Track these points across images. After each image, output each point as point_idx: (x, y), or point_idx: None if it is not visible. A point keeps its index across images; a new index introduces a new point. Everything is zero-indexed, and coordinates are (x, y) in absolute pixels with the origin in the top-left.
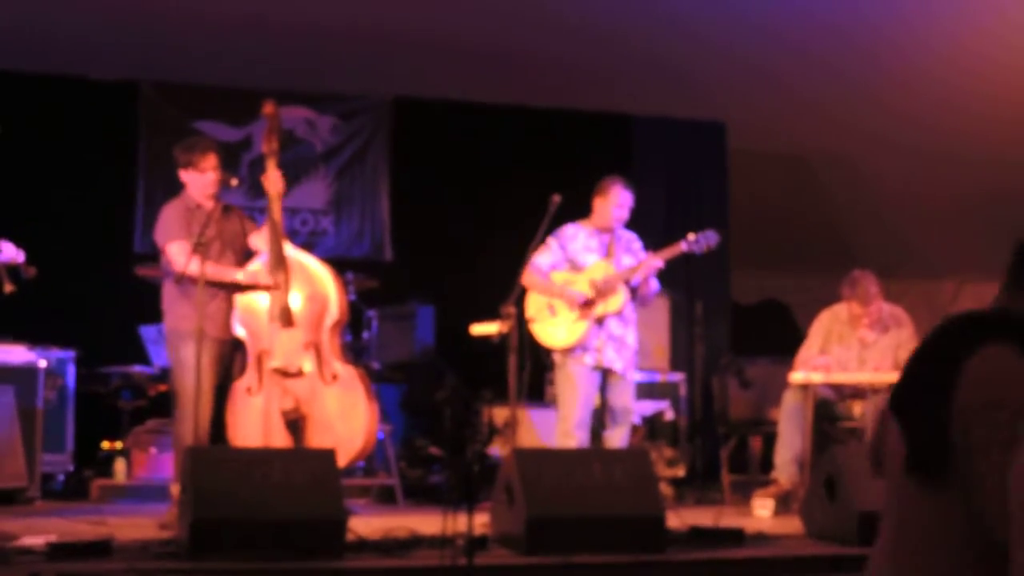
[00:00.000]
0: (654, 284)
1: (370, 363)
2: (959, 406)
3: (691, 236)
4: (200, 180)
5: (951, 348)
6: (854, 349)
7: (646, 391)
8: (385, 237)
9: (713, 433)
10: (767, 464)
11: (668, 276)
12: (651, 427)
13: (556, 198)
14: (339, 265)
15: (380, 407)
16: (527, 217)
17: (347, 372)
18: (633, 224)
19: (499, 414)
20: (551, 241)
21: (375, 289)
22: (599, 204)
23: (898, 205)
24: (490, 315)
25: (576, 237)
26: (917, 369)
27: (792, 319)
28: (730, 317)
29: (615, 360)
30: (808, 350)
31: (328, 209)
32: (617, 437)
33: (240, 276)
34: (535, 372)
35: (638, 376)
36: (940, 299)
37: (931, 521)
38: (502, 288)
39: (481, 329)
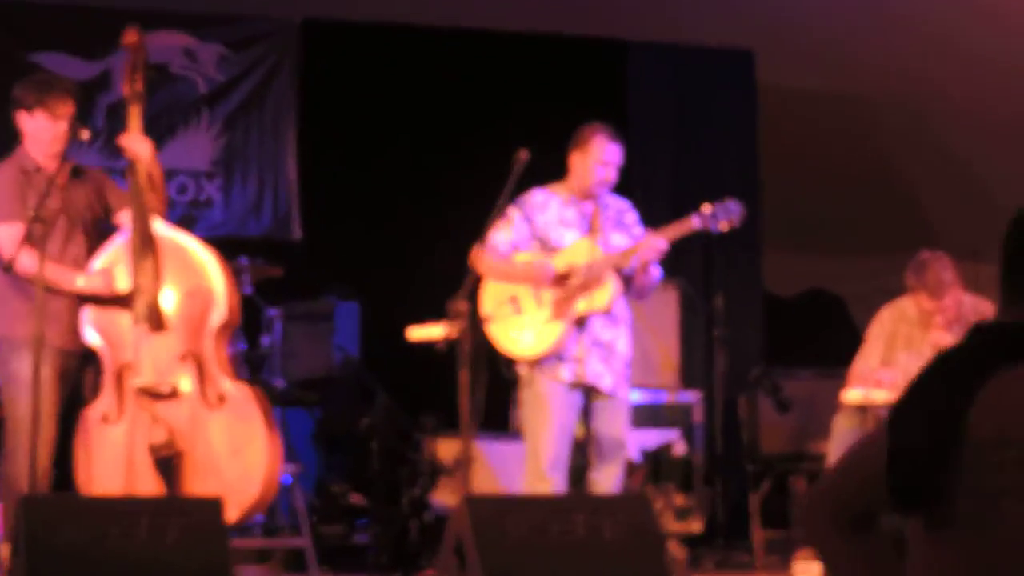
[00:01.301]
0: (655, 272)
1: (271, 380)
2: (971, 439)
3: (706, 208)
4: (49, 131)
5: (964, 370)
6: (926, 356)
7: (648, 416)
8: (292, 209)
9: (740, 473)
10: None
11: (677, 260)
12: (655, 465)
13: (523, 155)
14: (230, 247)
15: (285, 440)
16: (485, 182)
17: (239, 393)
18: (628, 189)
19: (446, 449)
20: (512, 212)
21: (279, 279)
22: (577, 161)
23: (987, 166)
24: (435, 314)
25: (547, 206)
26: (921, 391)
27: (847, 317)
28: (763, 315)
29: (602, 375)
30: (866, 359)
31: (214, 171)
32: (606, 479)
33: (80, 282)
34: (494, 391)
35: (636, 396)
36: None
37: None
38: (451, 278)
39: (422, 333)
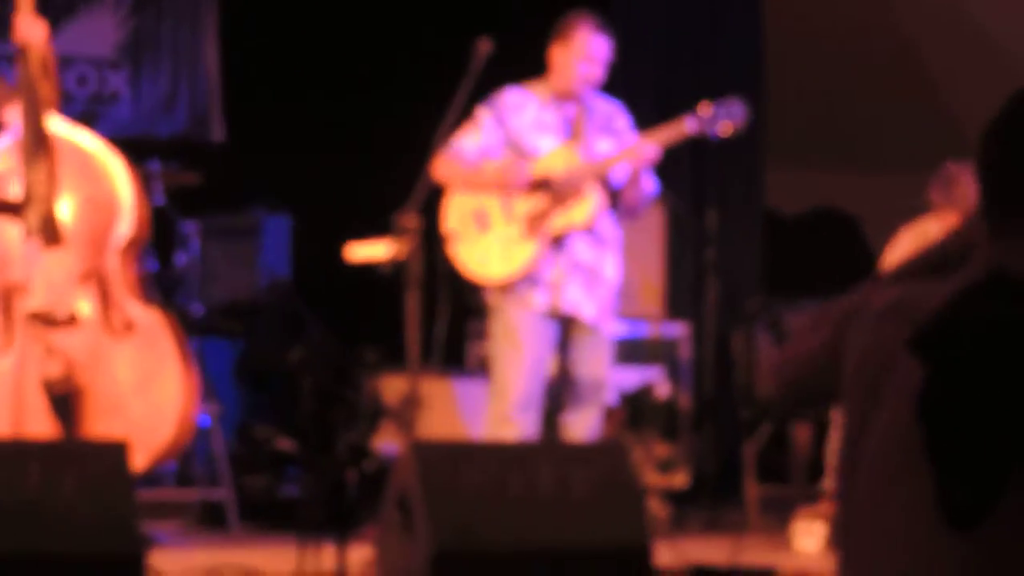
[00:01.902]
0: (649, 184)
1: (187, 305)
2: None
3: (704, 108)
4: None
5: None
6: None
7: (628, 352)
8: (212, 106)
9: (733, 420)
10: (816, 468)
11: (663, 171)
12: (635, 409)
13: (484, 45)
14: (138, 149)
15: (202, 376)
16: (440, 74)
17: (149, 319)
18: (616, 88)
19: (391, 387)
20: (482, 113)
21: (196, 188)
22: (558, 56)
23: None
24: (379, 230)
25: (523, 108)
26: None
27: (861, 239)
28: (763, 236)
29: (583, 303)
30: None
31: (121, 60)
32: (581, 424)
33: None
34: (456, 321)
35: (619, 329)
36: None
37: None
38: (398, 188)
39: (365, 252)
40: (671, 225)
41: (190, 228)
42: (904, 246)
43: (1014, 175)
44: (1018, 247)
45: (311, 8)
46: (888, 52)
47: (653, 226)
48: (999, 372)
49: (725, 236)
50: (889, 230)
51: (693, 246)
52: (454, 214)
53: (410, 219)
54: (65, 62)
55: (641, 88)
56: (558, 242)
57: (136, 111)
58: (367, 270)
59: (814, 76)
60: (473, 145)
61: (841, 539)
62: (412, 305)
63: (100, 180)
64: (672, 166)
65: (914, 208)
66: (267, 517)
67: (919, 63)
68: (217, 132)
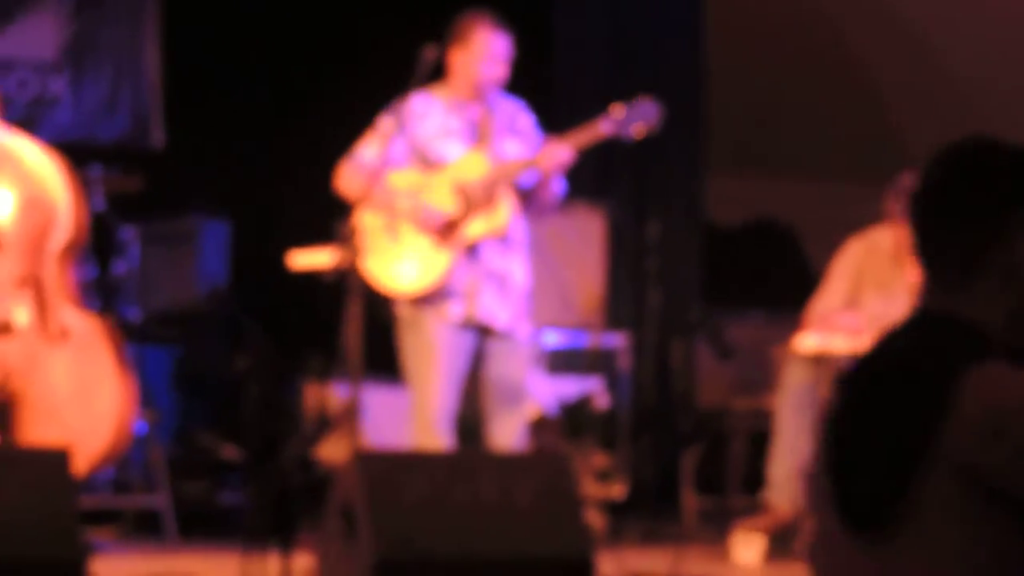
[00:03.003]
0: (557, 185)
1: (124, 312)
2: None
3: (617, 110)
4: None
5: (932, 369)
6: (900, 299)
7: (566, 362)
8: (153, 110)
9: (672, 431)
10: (755, 480)
11: (603, 180)
12: (573, 420)
13: (430, 52)
14: (78, 154)
15: (140, 383)
16: (383, 84)
17: (86, 326)
18: (556, 96)
19: (332, 397)
20: (384, 122)
21: (136, 193)
22: (457, 59)
23: (965, 77)
24: (322, 237)
25: (427, 115)
26: (874, 395)
27: (799, 249)
28: (702, 246)
29: (496, 311)
30: (828, 299)
31: (61, 63)
32: (505, 432)
33: None
34: (374, 329)
35: (552, 338)
36: None
37: None
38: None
39: (308, 259)
40: (612, 235)
41: (129, 234)
42: (853, 255)
43: (959, 233)
44: (964, 299)
45: (253, 13)
46: (829, 62)
47: (593, 236)
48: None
49: (665, 246)
50: (827, 240)
51: (633, 256)
52: (363, 226)
53: (353, 227)
54: (5, 66)
55: (580, 97)
56: (471, 251)
57: (77, 115)
58: (308, 277)
59: (754, 86)
60: (374, 155)
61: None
62: (354, 313)
63: (37, 184)
64: (612, 175)
65: (852, 221)
66: (204, 525)
67: (860, 74)
68: (157, 137)
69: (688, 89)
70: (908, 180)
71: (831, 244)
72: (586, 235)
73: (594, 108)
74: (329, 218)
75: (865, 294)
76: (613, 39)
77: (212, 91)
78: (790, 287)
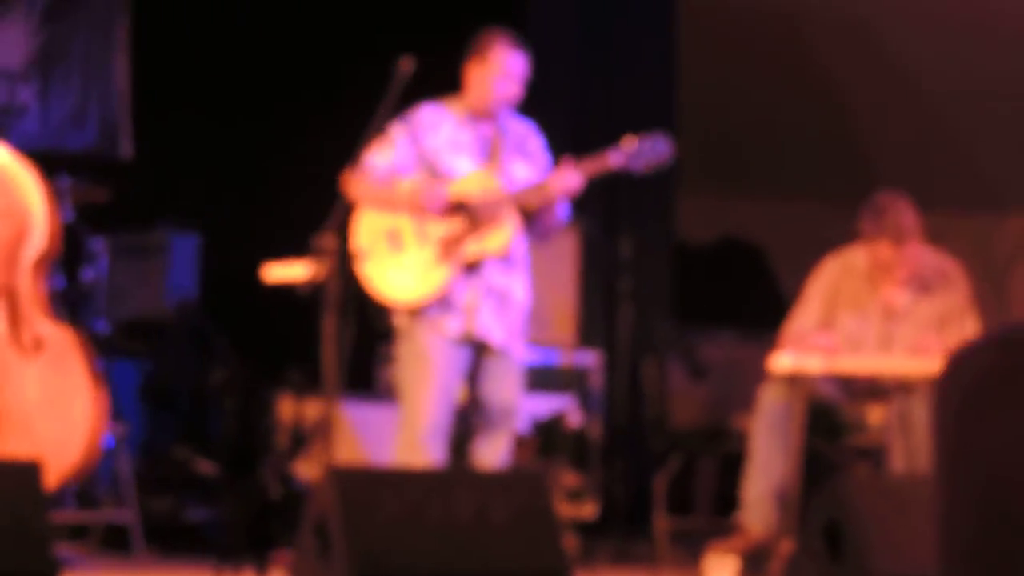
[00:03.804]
0: (563, 211)
1: (93, 324)
2: None
3: (629, 143)
4: None
5: None
6: (874, 318)
7: (540, 380)
8: (122, 121)
9: (644, 451)
10: (729, 501)
11: (578, 199)
12: (546, 438)
13: (406, 64)
14: (46, 163)
15: (109, 396)
16: (357, 96)
17: (59, 338)
18: (529, 110)
19: (308, 412)
20: (396, 130)
21: (105, 205)
22: (474, 74)
23: (935, 95)
24: (295, 250)
25: (438, 127)
26: None
27: (769, 269)
28: (673, 265)
29: (493, 328)
30: (803, 318)
31: (29, 73)
32: (491, 451)
33: None
34: (362, 343)
35: (531, 356)
36: (1001, 240)
37: None
38: (312, 208)
39: (282, 273)
40: (585, 252)
41: (98, 245)
42: (829, 274)
43: None
44: None
45: (225, 23)
46: (800, 82)
47: (567, 253)
48: None
49: (636, 264)
50: (797, 259)
51: (605, 274)
52: (365, 232)
53: (328, 240)
54: None
55: (554, 113)
56: (472, 267)
57: (45, 125)
58: (281, 291)
59: (725, 104)
60: (385, 162)
61: None
62: (329, 328)
63: (11, 191)
64: (585, 193)
65: (821, 241)
66: (172, 540)
67: (830, 93)
68: (126, 148)
69: (660, 107)
70: (883, 199)
71: (800, 263)
72: (559, 253)
73: (565, 127)
74: (303, 231)
75: (840, 313)
76: (586, 56)
77: (182, 102)
78: (761, 306)
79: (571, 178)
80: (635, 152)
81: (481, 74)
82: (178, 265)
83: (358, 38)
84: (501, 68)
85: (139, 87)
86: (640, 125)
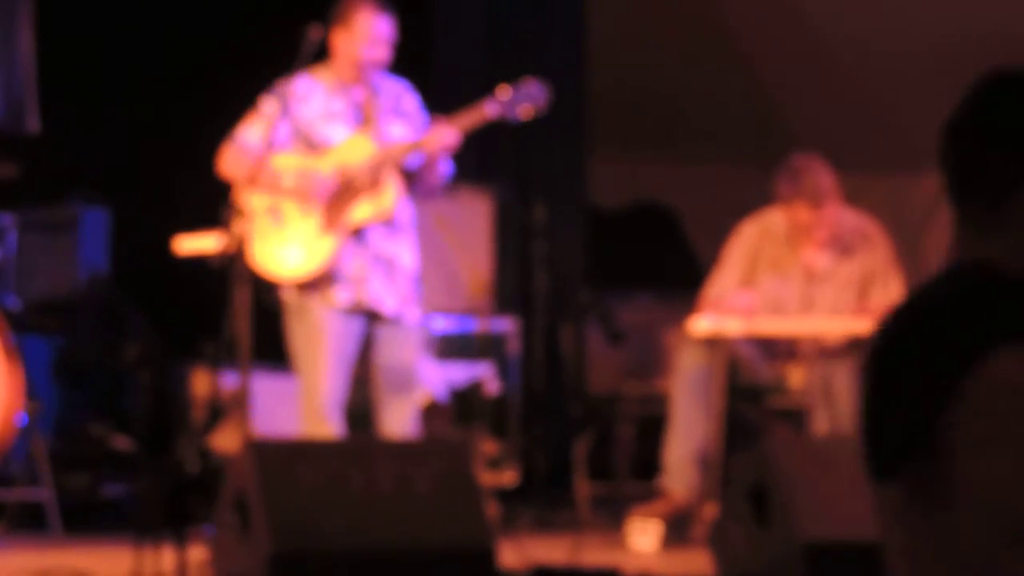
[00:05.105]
0: (444, 167)
1: (3, 301)
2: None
3: (503, 91)
4: None
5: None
6: (795, 281)
7: (456, 347)
8: (28, 95)
9: (563, 416)
10: (649, 466)
11: (486, 163)
12: (463, 406)
13: (314, 32)
14: None
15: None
16: (267, 61)
17: None
18: (438, 78)
19: (223, 385)
20: (267, 104)
21: (12, 181)
22: (340, 41)
23: (847, 56)
24: (207, 222)
25: (310, 97)
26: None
27: (683, 232)
28: (587, 229)
29: (384, 296)
30: (722, 281)
31: None
32: (396, 418)
33: None
34: (263, 315)
35: (440, 324)
36: (916, 200)
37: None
38: (221, 180)
39: (193, 245)
40: (498, 219)
41: (6, 221)
42: (748, 238)
43: (990, 165)
44: (996, 241)
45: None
46: (712, 45)
47: (480, 220)
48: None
49: (551, 230)
50: (710, 222)
51: (519, 240)
52: (247, 210)
53: (240, 212)
54: None
55: (461, 79)
56: (358, 235)
57: None
58: (193, 263)
59: (636, 68)
60: (256, 137)
61: None
62: (241, 299)
63: None
64: (495, 153)
65: (732, 203)
66: (88, 518)
67: (743, 56)
68: (32, 122)
69: (569, 71)
70: (799, 161)
71: (715, 226)
72: (472, 219)
73: (475, 89)
74: (214, 202)
75: (760, 276)
76: (493, 20)
77: (89, 74)
78: (676, 269)
79: (448, 134)
80: (510, 100)
81: (347, 41)
82: (89, 240)
83: (268, 7)
84: (366, 33)
85: (45, 60)
86: (549, 87)
